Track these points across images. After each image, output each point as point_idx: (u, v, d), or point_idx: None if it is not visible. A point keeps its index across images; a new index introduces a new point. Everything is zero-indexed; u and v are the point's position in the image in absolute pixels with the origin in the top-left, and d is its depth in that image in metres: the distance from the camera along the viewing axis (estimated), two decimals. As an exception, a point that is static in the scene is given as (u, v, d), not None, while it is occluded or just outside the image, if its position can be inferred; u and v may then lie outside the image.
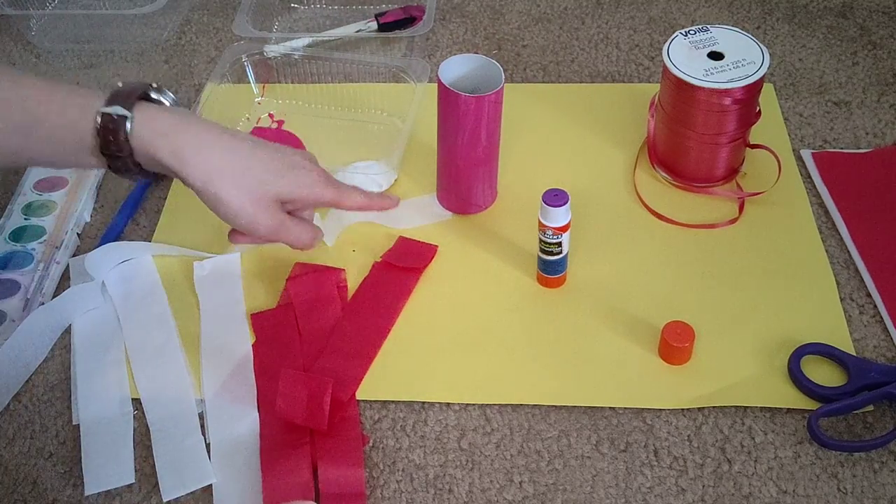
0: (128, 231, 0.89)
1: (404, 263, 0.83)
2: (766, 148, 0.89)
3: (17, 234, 0.87)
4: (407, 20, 1.08)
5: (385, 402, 0.74)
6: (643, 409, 0.73)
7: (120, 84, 0.70)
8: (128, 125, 0.67)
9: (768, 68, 0.83)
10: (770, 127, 0.95)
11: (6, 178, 0.94)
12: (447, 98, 0.80)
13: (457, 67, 0.82)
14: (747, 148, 0.90)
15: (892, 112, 0.98)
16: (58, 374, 0.77)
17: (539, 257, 0.80)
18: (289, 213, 0.74)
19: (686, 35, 0.87)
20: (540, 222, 0.77)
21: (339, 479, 0.68)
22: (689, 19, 1.12)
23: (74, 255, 0.86)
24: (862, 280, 0.81)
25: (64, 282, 0.84)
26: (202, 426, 0.73)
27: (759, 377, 0.74)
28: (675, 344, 0.74)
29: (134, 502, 0.69)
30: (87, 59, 1.10)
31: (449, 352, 0.77)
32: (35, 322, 0.78)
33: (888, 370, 0.72)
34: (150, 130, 0.68)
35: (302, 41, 1.06)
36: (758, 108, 0.87)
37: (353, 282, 0.83)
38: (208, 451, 0.71)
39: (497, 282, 0.82)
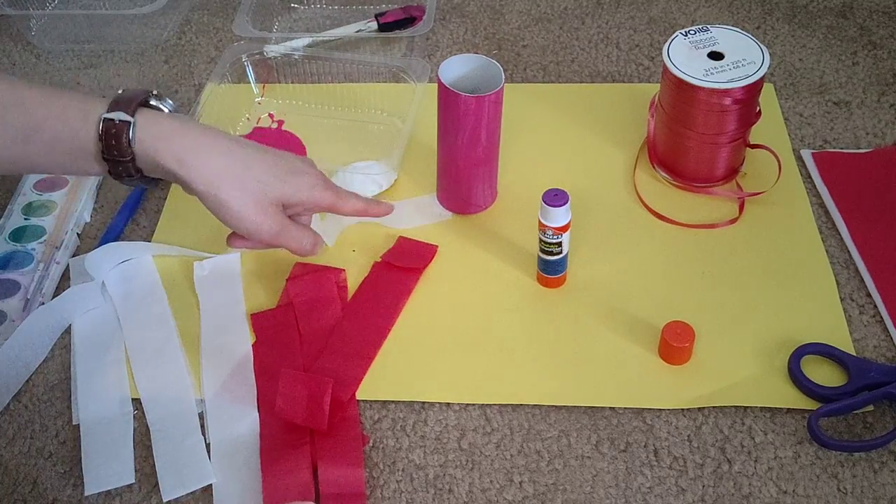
0: (128, 231, 0.89)
1: (404, 263, 0.83)
2: (766, 148, 0.89)
3: (17, 234, 0.87)
4: (407, 20, 1.08)
5: (385, 402, 0.74)
6: (643, 409, 0.73)
7: (120, 91, 0.70)
8: (130, 131, 0.67)
9: (768, 68, 0.83)
10: (770, 127, 0.95)
11: (6, 178, 0.94)
12: (447, 98, 0.80)
13: (457, 67, 0.82)
14: (747, 148, 0.90)
15: (892, 112, 0.98)
16: (58, 374, 0.77)
17: (539, 257, 0.80)
18: (288, 217, 0.75)
19: (686, 35, 0.87)
20: (540, 222, 0.77)
21: (339, 479, 0.68)
22: (689, 19, 1.12)
23: (74, 255, 0.87)
24: (862, 280, 0.81)
25: (64, 282, 0.84)
26: (202, 426, 0.73)
27: (759, 377, 0.74)
28: (675, 344, 0.74)
29: (134, 502, 0.69)
30: (87, 59, 1.10)
31: (449, 352, 0.77)
32: (35, 322, 0.78)
33: (888, 370, 0.72)
34: (153, 136, 0.68)
35: (302, 41, 1.06)
36: (758, 108, 0.87)
37: (353, 282, 0.83)
38: (208, 451, 0.71)
39: (497, 282, 0.82)
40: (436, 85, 0.81)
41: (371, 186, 0.90)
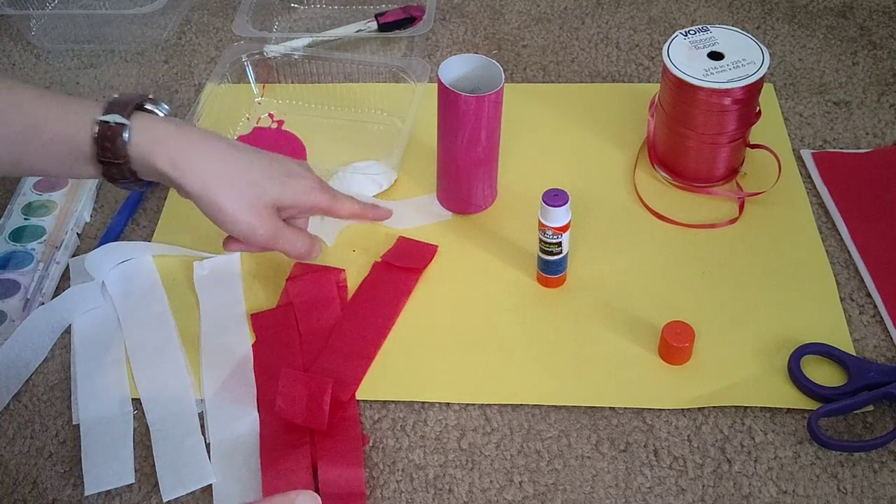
0: (128, 231, 0.89)
1: (404, 263, 0.83)
2: (766, 148, 0.89)
3: (17, 234, 0.87)
4: (407, 20, 1.08)
5: (385, 402, 0.74)
6: (643, 409, 0.73)
7: (116, 95, 0.70)
8: (126, 133, 0.68)
9: (768, 68, 0.83)
10: (770, 127, 0.95)
11: (6, 178, 0.94)
12: (447, 98, 0.80)
13: (457, 67, 0.82)
14: (747, 148, 0.90)
15: (892, 112, 0.98)
16: (58, 374, 0.77)
17: (539, 257, 0.80)
18: (284, 220, 0.75)
19: (686, 35, 0.87)
20: (540, 222, 0.77)
21: (339, 479, 0.68)
22: (689, 19, 1.12)
23: (74, 255, 0.87)
24: (862, 280, 0.81)
25: (64, 282, 0.84)
26: (202, 426, 0.73)
27: (759, 377, 0.74)
28: (675, 344, 0.74)
29: (134, 502, 0.69)
30: (87, 59, 1.10)
31: (449, 352, 0.77)
32: (35, 322, 0.78)
33: (888, 370, 0.72)
34: (148, 139, 0.69)
35: (302, 41, 1.06)
36: (758, 108, 0.87)
37: (353, 282, 0.83)
38: (208, 451, 0.71)
39: (497, 282, 0.82)
40: (436, 85, 0.81)
41: (371, 186, 0.90)
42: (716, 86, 0.82)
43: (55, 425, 0.74)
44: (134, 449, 0.72)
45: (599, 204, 0.89)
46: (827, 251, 0.84)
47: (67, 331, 0.80)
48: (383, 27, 1.08)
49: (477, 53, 0.83)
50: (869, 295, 0.80)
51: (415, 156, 0.93)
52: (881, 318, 0.78)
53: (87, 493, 0.69)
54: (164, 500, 0.68)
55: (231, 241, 0.76)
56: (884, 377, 0.72)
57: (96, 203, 0.92)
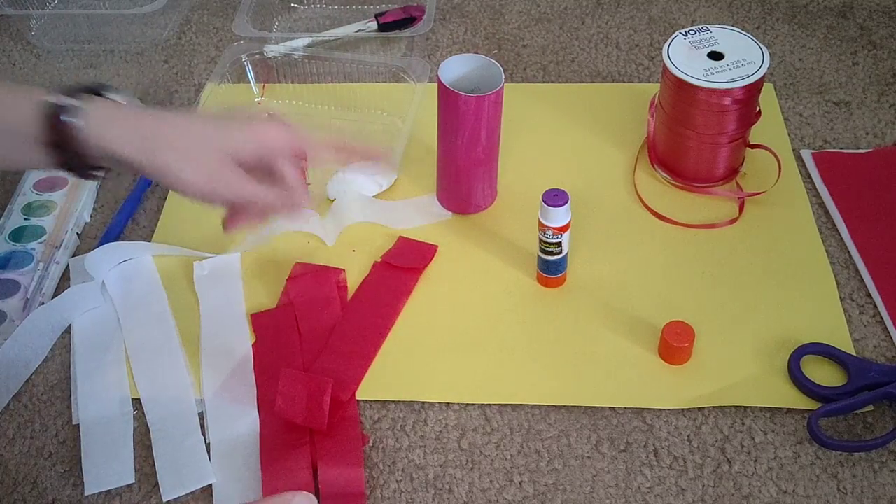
0: (128, 231, 0.89)
1: (404, 263, 0.83)
2: (766, 148, 0.89)
3: (17, 234, 0.87)
4: (407, 20, 1.08)
5: (385, 402, 0.74)
6: (643, 409, 0.73)
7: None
8: (73, 115, 0.65)
9: (768, 68, 0.83)
10: (770, 127, 0.95)
11: (6, 178, 0.94)
12: (447, 98, 0.80)
13: (457, 67, 0.82)
14: (747, 148, 0.90)
15: (892, 112, 0.98)
16: (58, 374, 0.77)
17: (539, 257, 0.80)
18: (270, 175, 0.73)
19: (686, 35, 0.87)
20: (540, 222, 0.77)
21: (339, 479, 0.68)
22: (689, 19, 1.12)
23: (74, 255, 0.86)
24: (862, 280, 0.81)
25: (64, 282, 0.84)
26: (202, 426, 0.72)
27: (759, 377, 0.74)
28: (675, 344, 0.74)
29: (134, 502, 0.69)
30: (87, 59, 1.10)
31: (449, 352, 0.77)
32: (35, 322, 0.78)
33: (888, 370, 0.72)
34: (98, 121, 0.66)
35: (302, 41, 1.06)
36: (758, 108, 0.87)
37: (353, 282, 0.83)
38: (208, 451, 0.71)
39: (497, 282, 0.82)
40: (436, 85, 0.81)
41: (371, 186, 0.90)
42: (716, 86, 0.82)
43: (55, 425, 0.74)
44: (134, 449, 0.72)
45: (599, 204, 0.89)
46: (827, 251, 0.84)
47: (67, 331, 0.80)
48: (383, 27, 1.08)
49: (477, 53, 0.83)
50: (869, 295, 0.80)
51: (415, 156, 0.93)
52: (881, 318, 0.78)
53: (87, 493, 0.69)
54: (164, 500, 0.68)
55: (229, 220, 0.74)
56: (884, 377, 0.72)
57: (96, 203, 0.92)
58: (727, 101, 0.83)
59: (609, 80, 1.04)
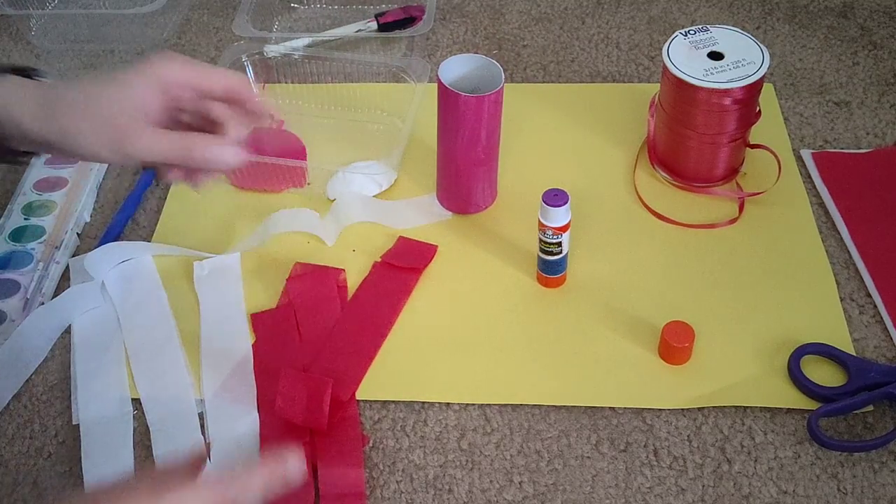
0: (128, 231, 0.89)
1: (404, 263, 0.83)
2: (766, 148, 0.89)
3: (17, 234, 0.87)
4: (407, 20, 1.08)
5: (385, 402, 0.74)
6: (643, 409, 0.73)
7: None
8: None
9: (768, 68, 0.83)
10: (770, 127, 0.95)
11: (6, 178, 0.94)
12: (447, 98, 0.80)
13: (457, 67, 0.82)
14: (747, 148, 0.90)
15: (892, 112, 0.98)
16: (58, 374, 0.77)
17: (539, 257, 0.80)
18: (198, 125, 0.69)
19: (686, 35, 0.87)
20: (540, 222, 0.77)
21: (339, 479, 0.68)
22: (689, 19, 1.12)
23: (74, 255, 0.86)
24: (862, 280, 0.81)
25: (64, 282, 0.84)
26: (202, 426, 0.72)
27: (759, 377, 0.74)
28: (675, 344, 0.74)
29: None
30: (87, 59, 1.10)
31: (449, 352, 0.77)
32: (35, 322, 0.78)
33: (888, 370, 0.72)
34: (2, 95, 0.65)
35: (302, 41, 1.06)
36: (758, 108, 0.87)
37: (353, 282, 0.83)
38: (208, 451, 0.71)
39: (497, 282, 0.82)
40: (436, 85, 0.81)
41: (371, 186, 0.90)
42: (716, 86, 0.82)
43: (55, 425, 0.74)
44: (134, 449, 0.72)
45: (599, 204, 0.89)
46: (827, 251, 0.84)
47: (67, 331, 0.80)
48: (383, 27, 1.08)
49: (477, 53, 0.83)
50: (869, 295, 0.80)
51: (415, 156, 0.93)
52: (881, 318, 0.78)
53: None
54: (164, 500, 0.68)
55: (169, 173, 0.69)
56: (884, 377, 0.72)
57: (96, 203, 0.92)
58: (727, 101, 0.83)
59: (609, 80, 1.04)
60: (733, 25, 0.96)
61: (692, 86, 0.82)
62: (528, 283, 0.82)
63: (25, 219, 0.89)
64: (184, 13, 1.16)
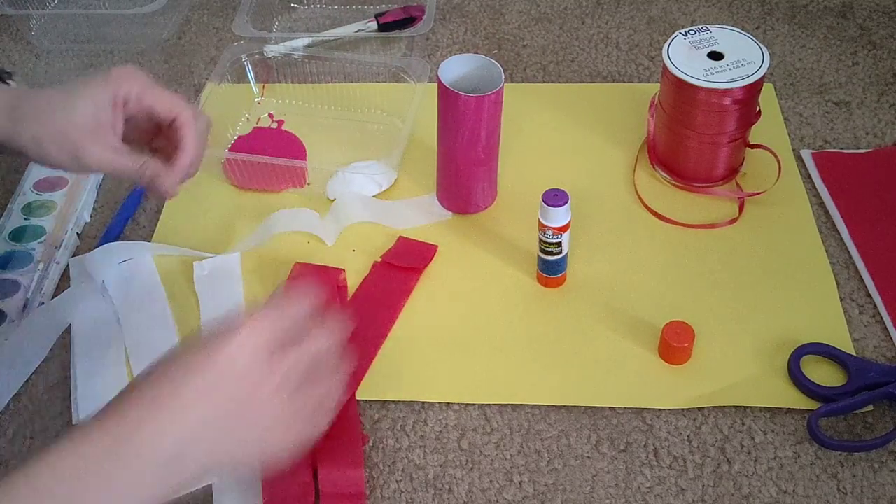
0: (128, 231, 0.89)
1: (404, 263, 0.83)
2: (766, 148, 0.89)
3: (17, 234, 0.87)
4: (407, 20, 1.08)
5: (385, 402, 0.74)
6: (643, 409, 0.73)
7: None
8: None
9: (768, 68, 0.83)
10: (770, 127, 0.95)
11: (6, 178, 0.94)
12: (447, 98, 0.80)
13: (457, 67, 0.82)
14: (747, 148, 0.90)
15: (892, 112, 0.98)
16: (58, 374, 0.77)
17: (539, 257, 0.80)
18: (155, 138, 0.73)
19: (686, 35, 0.87)
20: (540, 222, 0.77)
21: (339, 479, 0.68)
22: (689, 19, 1.12)
23: (74, 255, 0.86)
24: (862, 280, 0.81)
25: (64, 282, 0.84)
26: (202, 426, 0.72)
27: (759, 377, 0.74)
28: (675, 344, 0.74)
29: None
30: (87, 59, 1.10)
31: (449, 352, 0.77)
32: (35, 322, 0.78)
33: (888, 370, 0.72)
34: None
35: (302, 41, 1.06)
36: (758, 108, 0.87)
37: (353, 282, 0.83)
38: (208, 451, 0.71)
39: (497, 282, 0.82)
40: (436, 85, 0.81)
41: (371, 186, 0.90)
42: (716, 86, 0.82)
43: (55, 425, 0.74)
44: (134, 449, 0.71)
45: (599, 204, 0.89)
46: (827, 251, 0.84)
47: (67, 331, 0.80)
48: (383, 27, 1.08)
49: (477, 53, 0.83)
50: (869, 295, 0.80)
51: (415, 156, 0.93)
52: (881, 318, 0.78)
53: (87, 493, 0.69)
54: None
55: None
56: (884, 377, 0.72)
57: (96, 203, 0.92)
58: (727, 101, 0.83)
59: (609, 80, 1.04)
60: (733, 25, 0.96)
61: (692, 86, 0.82)
62: (528, 283, 0.82)
63: (25, 219, 0.89)
64: (184, 13, 1.16)
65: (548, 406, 0.73)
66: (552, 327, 0.79)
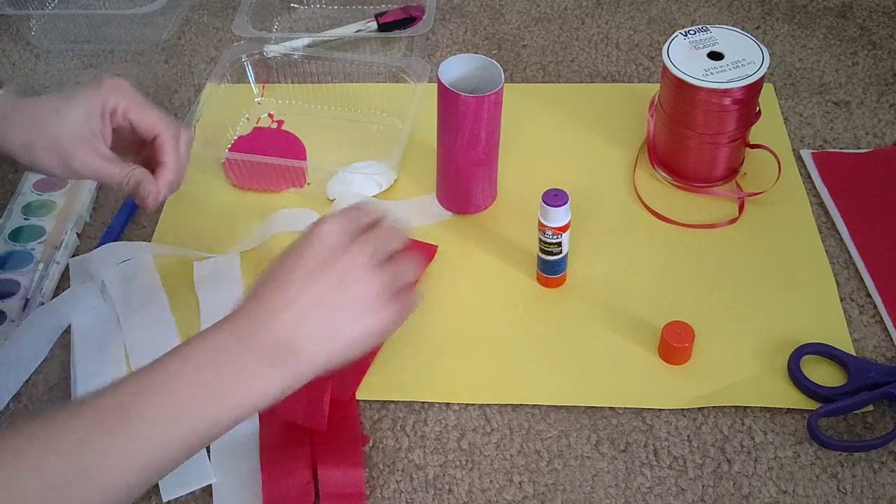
0: (128, 231, 0.89)
1: (404, 263, 0.83)
2: (766, 148, 0.89)
3: (17, 234, 0.87)
4: (407, 20, 1.08)
5: (385, 402, 0.74)
6: (643, 409, 0.73)
7: None
8: None
9: (768, 68, 0.83)
10: (770, 127, 0.95)
11: (6, 178, 0.94)
12: (447, 98, 0.80)
13: (457, 67, 0.82)
14: (747, 148, 0.90)
15: (892, 112, 0.98)
16: (58, 374, 0.77)
17: (539, 257, 0.80)
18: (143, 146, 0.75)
19: (686, 35, 0.87)
20: (540, 222, 0.77)
21: (339, 479, 0.68)
22: (689, 19, 1.12)
23: (74, 255, 0.86)
24: (862, 280, 0.81)
25: (64, 282, 0.84)
26: (202, 426, 0.72)
27: (759, 377, 0.74)
28: (675, 344, 0.74)
29: (134, 502, 0.68)
30: (87, 59, 1.10)
31: (449, 352, 0.77)
32: (35, 322, 0.78)
33: (888, 370, 0.72)
34: None
35: (302, 41, 1.06)
36: (758, 108, 0.87)
37: (353, 282, 0.82)
38: (208, 451, 0.71)
39: (497, 282, 0.82)
40: (436, 85, 0.81)
41: (371, 186, 0.90)
42: (716, 86, 0.82)
43: (55, 425, 0.74)
44: (134, 449, 0.71)
45: (599, 204, 0.89)
46: (827, 251, 0.84)
47: (67, 331, 0.80)
48: (383, 27, 1.08)
49: (477, 53, 0.83)
50: (869, 295, 0.80)
51: (415, 156, 0.93)
52: (881, 318, 0.78)
53: (87, 493, 0.69)
54: (164, 501, 0.68)
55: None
56: (884, 377, 0.72)
57: (96, 203, 0.92)
58: (727, 101, 0.83)
59: (609, 80, 1.04)
60: (733, 25, 0.96)
61: (692, 86, 0.82)
62: (528, 283, 0.82)
63: (25, 219, 0.89)
64: (184, 13, 1.16)
65: (548, 406, 0.73)
66: (552, 327, 0.79)
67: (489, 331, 0.78)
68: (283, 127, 0.98)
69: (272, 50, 1.00)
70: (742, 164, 0.91)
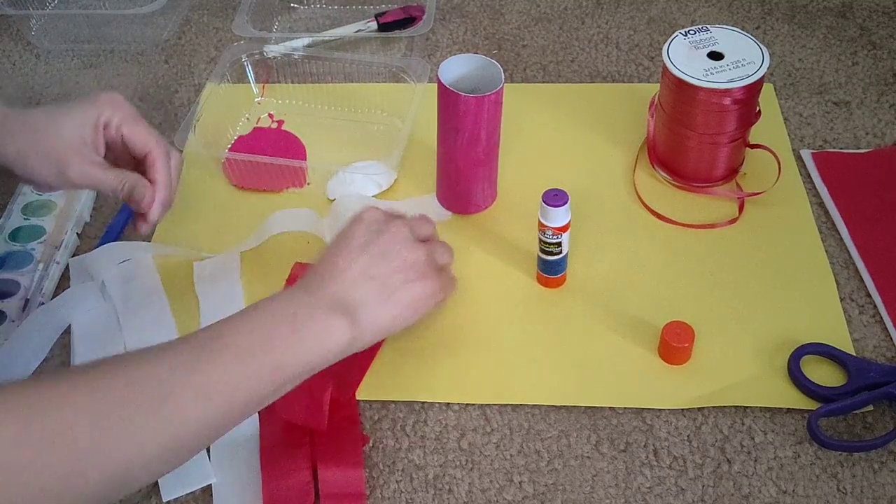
0: (128, 231, 0.89)
1: (404, 263, 0.83)
2: (766, 148, 0.89)
3: (17, 234, 0.87)
4: (407, 20, 1.08)
5: (385, 402, 0.74)
6: (643, 409, 0.73)
7: None
8: None
9: (768, 68, 0.83)
10: (770, 127, 0.95)
11: (6, 178, 0.94)
12: (447, 98, 0.80)
13: (457, 67, 0.82)
14: (747, 148, 0.90)
15: (892, 112, 0.98)
16: (58, 374, 0.77)
17: (539, 257, 0.80)
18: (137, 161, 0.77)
19: (686, 35, 0.87)
20: (540, 222, 0.77)
21: (339, 479, 0.68)
22: (689, 19, 1.12)
23: (74, 255, 0.86)
24: (862, 280, 0.81)
25: (64, 282, 0.84)
26: (202, 426, 0.72)
27: (759, 377, 0.74)
28: (675, 344, 0.74)
29: (134, 502, 0.69)
30: (87, 59, 1.10)
31: (449, 352, 0.77)
32: (35, 322, 0.78)
33: (888, 370, 0.72)
34: None
35: (302, 41, 1.06)
36: (758, 108, 0.87)
37: (353, 282, 0.82)
38: (208, 451, 0.71)
39: (497, 282, 0.82)
40: (436, 85, 0.81)
41: (371, 186, 0.90)
42: (716, 86, 0.82)
43: (55, 425, 0.74)
44: (134, 449, 0.71)
45: (599, 204, 0.89)
46: (827, 251, 0.84)
47: (67, 331, 0.80)
48: (383, 27, 1.08)
49: (477, 53, 0.83)
50: (869, 295, 0.80)
51: (415, 156, 0.93)
52: (881, 318, 0.78)
53: (87, 493, 0.69)
54: (164, 501, 0.68)
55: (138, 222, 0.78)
56: (884, 377, 0.72)
57: (96, 203, 0.92)
58: (727, 101, 0.83)
59: (609, 80, 1.04)
60: (733, 25, 0.96)
61: (692, 86, 0.82)
62: (528, 283, 0.82)
63: (25, 219, 0.89)
64: (184, 13, 1.16)
65: (548, 406, 0.73)
66: (552, 327, 0.79)
67: (489, 331, 0.78)
68: (283, 127, 0.98)
69: (272, 50, 1.00)
70: (742, 164, 0.91)
